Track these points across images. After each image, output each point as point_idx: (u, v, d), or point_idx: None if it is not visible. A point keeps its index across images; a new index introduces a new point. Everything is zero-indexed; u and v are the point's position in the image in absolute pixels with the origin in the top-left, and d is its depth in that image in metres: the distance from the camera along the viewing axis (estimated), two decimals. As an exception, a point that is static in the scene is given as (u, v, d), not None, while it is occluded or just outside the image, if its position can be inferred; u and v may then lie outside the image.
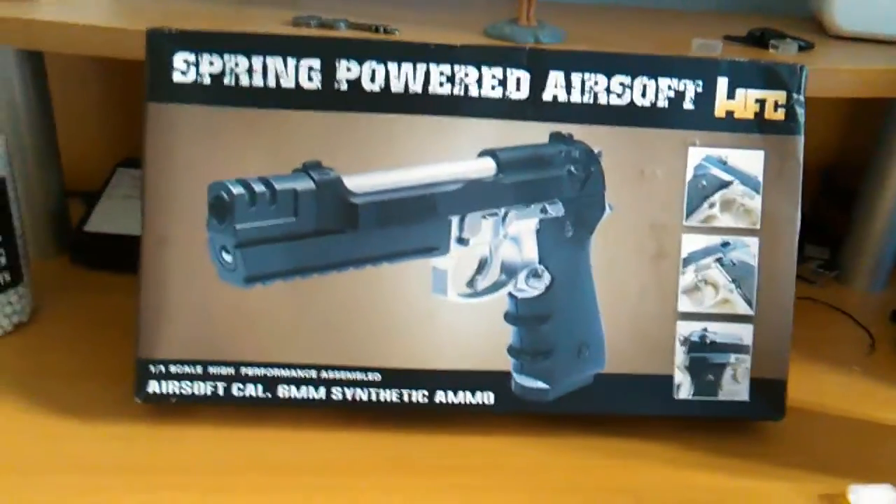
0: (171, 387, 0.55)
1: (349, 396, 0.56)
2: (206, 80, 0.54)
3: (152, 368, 0.55)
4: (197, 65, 0.54)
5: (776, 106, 0.57)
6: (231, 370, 0.55)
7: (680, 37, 0.68)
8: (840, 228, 0.85)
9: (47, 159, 0.74)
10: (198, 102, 0.54)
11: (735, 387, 0.58)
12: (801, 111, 0.57)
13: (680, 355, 0.58)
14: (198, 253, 0.53)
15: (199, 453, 0.54)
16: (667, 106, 0.56)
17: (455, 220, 0.54)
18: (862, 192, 0.82)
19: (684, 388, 0.58)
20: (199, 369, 0.55)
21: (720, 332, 0.58)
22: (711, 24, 0.77)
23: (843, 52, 0.72)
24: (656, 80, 0.56)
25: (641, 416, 0.59)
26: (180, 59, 0.53)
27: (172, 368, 0.55)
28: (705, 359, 0.58)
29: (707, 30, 0.71)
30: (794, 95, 0.57)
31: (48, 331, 0.65)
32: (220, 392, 0.55)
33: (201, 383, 0.55)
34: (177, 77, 0.54)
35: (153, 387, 0.55)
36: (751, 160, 0.57)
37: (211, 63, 0.54)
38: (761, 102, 0.57)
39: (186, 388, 0.55)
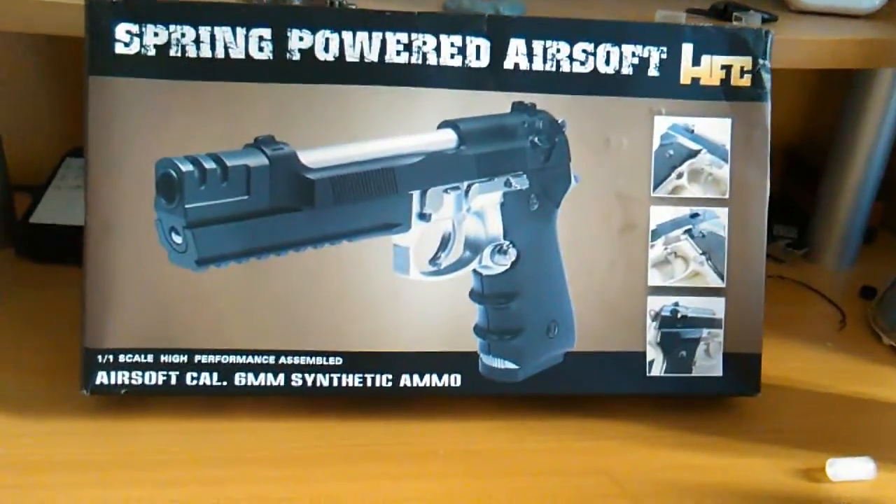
0: (120, 377, 0.52)
1: (310, 382, 0.54)
2: (151, 52, 0.51)
3: (100, 358, 0.52)
4: (141, 36, 0.51)
5: (742, 72, 0.56)
6: (184, 358, 0.53)
7: (643, 11, 0.67)
8: (807, 207, 0.84)
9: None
10: (142, 75, 0.51)
11: (708, 362, 0.57)
12: (767, 77, 0.56)
13: (651, 331, 0.56)
14: (146, 235, 0.51)
15: (152, 447, 0.51)
16: (631, 73, 0.55)
17: (416, 195, 0.52)
18: (828, 170, 0.81)
19: (657, 364, 0.57)
20: (150, 358, 0.52)
21: (692, 305, 0.57)
22: (675, 2, 0.76)
23: (805, 25, 0.71)
24: (620, 47, 0.54)
25: (614, 395, 0.57)
26: (122, 30, 0.51)
27: (121, 358, 0.52)
28: (677, 334, 0.57)
29: (670, 5, 0.70)
30: (760, 61, 0.56)
31: (-10, 325, 0.62)
32: (173, 381, 0.53)
33: (152, 373, 0.52)
34: (119, 49, 0.51)
35: (101, 378, 0.52)
36: (718, 128, 0.56)
37: (155, 34, 0.51)
38: (727, 69, 0.56)
39: (137, 378, 0.52)
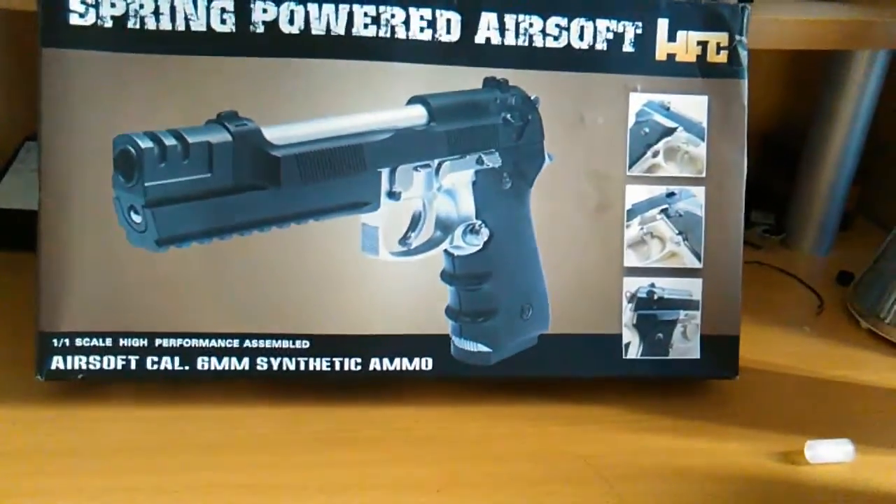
0: (77, 362, 0.50)
1: (276, 366, 0.52)
2: (108, 24, 0.49)
3: (55, 342, 0.50)
4: (97, 6, 0.49)
5: (718, 48, 0.55)
6: (144, 342, 0.51)
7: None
8: (784, 193, 0.83)
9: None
10: (99, 48, 0.49)
11: (686, 344, 0.56)
12: (744, 54, 0.55)
13: (627, 313, 0.55)
14: (103, 214, 0.49)
15: (111, 434, 0.50)
16: (605, 49, 0.54)
17: (385, 173, 0.51)
18: (804, 156, 0.81)
19: (633, 347, 0.55)
20: (109, 342, 0.50)
21: (668, 287, 0.56)
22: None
23: (783, 6, 0.70)
24: (594, 22, 0.53)
25: (590, 378, 0.56)
26: (77, 0, 0.49)
27: (78, 342, 0.50)
28: (654, 316, 0.56)
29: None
30: (737, 37, 0.55)
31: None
32: (133, 366, 0.51)
33: (111, 357, 0.51)
34: (74, 20, 0.49)
35: (57, 362, 0.50)
36: (694, 105, 0.55)
37: (112, 4, 0.49)
38: (703, 45, 0.55)
39: (94, 362, 0.50)
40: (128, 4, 0.49)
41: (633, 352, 0.55)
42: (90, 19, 0.49)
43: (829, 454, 0.52)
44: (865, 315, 0.69)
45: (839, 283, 0.76)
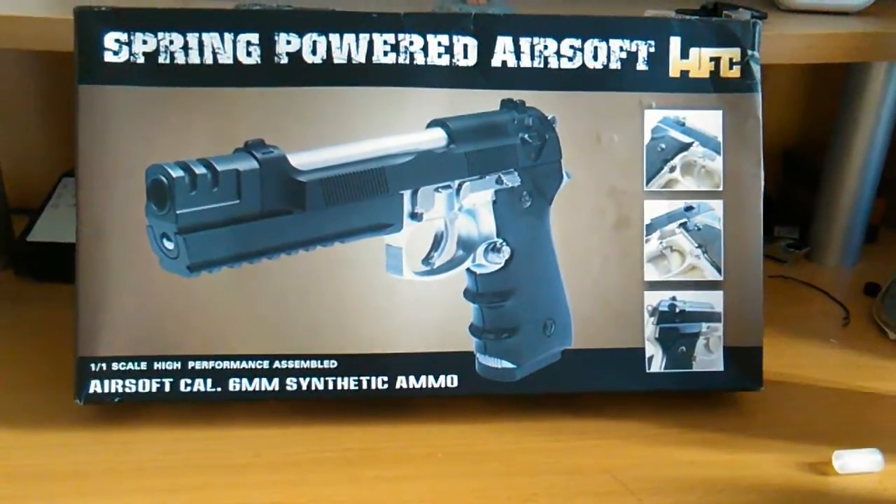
0: (113, 385, 0.52)
1: (305, 386, 0.53)
2: (140, 60, 0.51)
3: (93, 367, 0.52)
4: (129, 44, 0.51)
5: (731, 63, 0.56)
6: (177, 365, 0.52)
7: (632, 13, 0.67)
8: (808, 207, 0.83)
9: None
10: (132, 83, 0.51)
11: (709, 357, 0.56)
12: (756, 68, 0.56)
13: (649, 326, 0.56)
14: (137, 241, 0.50)
15: (147, 455, 0.51)
16: (619, 68, 0.55)
17: (407, 195, 0.52)
18: (826, 169, 0.81)
19: (656, 360, 0.56)
20: (143, 365, 0.52)
21: (690, 300, 0.56)
22: (663, 3, 0.76)
23: (794, 22, 0.71)
24: (607, 42, 0.55)
25: (614, 393, 0.56)
26: (111, 39, 0.51)
27: (114, 366, 0.52)
28: (676, 329, 0.56)
29: (659, 5, 0.70)
30: (749, 52, 0.56)
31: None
32: (167, 388, 0.52)
33: (146, 380, 0.52)
34: (108, 57, 0.51)
35: (94, 386, 0.52)
36: (709, 120, 0.56)
37: (144, 42, 0.51)
38: (716, 61, 0.56)
39: (130, 385, 0.52)
40: (158, 41, 0.51)
41: (657, 365, 0.56)
42: (123, 56, 0.51)
43: (857, 464, 0.52)
44: (893, 326, 0.68)
45: (866, 295, 0.75)
